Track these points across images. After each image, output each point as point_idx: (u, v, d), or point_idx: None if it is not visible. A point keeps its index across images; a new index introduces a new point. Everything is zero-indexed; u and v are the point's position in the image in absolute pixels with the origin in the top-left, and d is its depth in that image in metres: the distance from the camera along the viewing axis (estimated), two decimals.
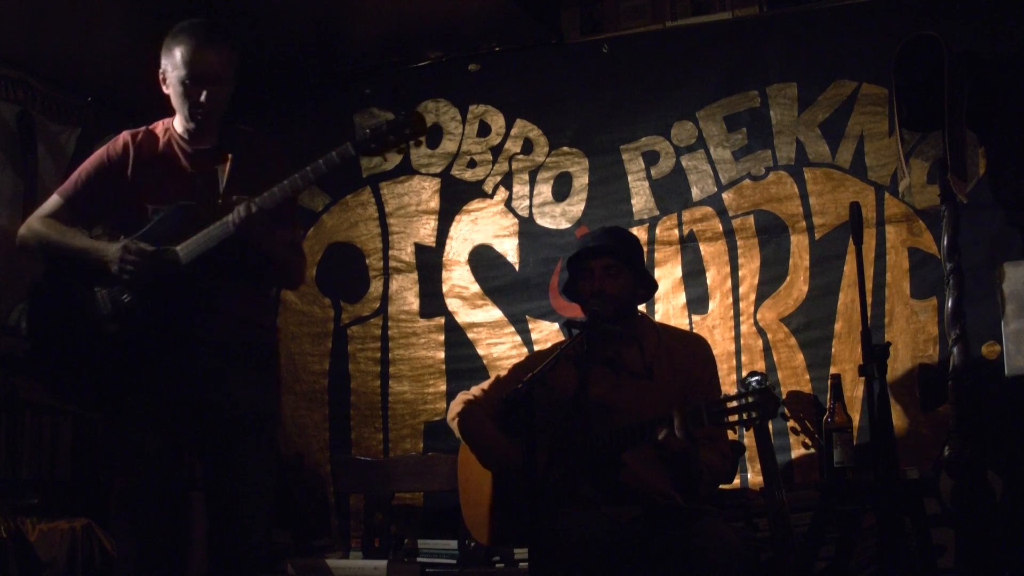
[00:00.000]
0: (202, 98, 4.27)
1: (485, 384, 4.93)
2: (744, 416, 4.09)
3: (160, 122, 4.49)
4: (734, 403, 4.11)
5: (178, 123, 4.42)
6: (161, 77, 4.36)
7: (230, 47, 4.35)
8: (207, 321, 4.28)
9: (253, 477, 4.32)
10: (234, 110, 4.46)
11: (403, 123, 4.18)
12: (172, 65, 4.29)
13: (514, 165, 6.62)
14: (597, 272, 4.59)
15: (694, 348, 4.72)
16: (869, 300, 5.28)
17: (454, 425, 4.85)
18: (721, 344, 5.98)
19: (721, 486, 5.24)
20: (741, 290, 6.05)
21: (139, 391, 4.23)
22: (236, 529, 4.28)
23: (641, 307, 4.89)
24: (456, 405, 4.88)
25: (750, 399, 4.08)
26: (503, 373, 4.95)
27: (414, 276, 6.76)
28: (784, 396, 5.70)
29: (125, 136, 4.46)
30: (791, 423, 5.43)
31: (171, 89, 4.34)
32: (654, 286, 4.84)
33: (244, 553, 4.28)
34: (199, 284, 4.24)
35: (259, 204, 4.13)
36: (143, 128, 4.49)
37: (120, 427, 4.30)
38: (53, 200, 4.46)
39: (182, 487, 4.31)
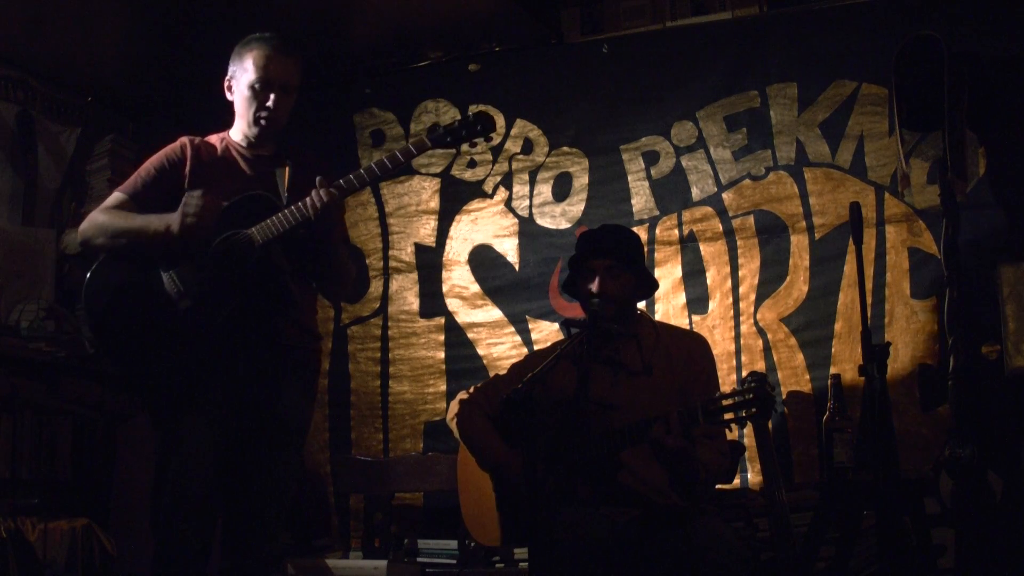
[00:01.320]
0: (269, 103, 4.43)
1: (484, 384, 4.94)
2: (741, 414, 4.09)
3: (215, 134, 4.61)
4: (729, 401, 4.11)
5: (237, 132, 4.57)
6: (227, 84, 4.54)
7: (300, 58, 4.55)
8: (282, 308, 4.38)
9: (283, 481, 4.42)
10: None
11: (476, 121, 4.42)
12: (242, 70, 4.47)
13: (514, 165, 6.62)
14: (599, 272, 4.59)
15: (692, 346, 4.73)
16: (869, 300, 5.25)
17: (453, 425, 4.88)
18: (721, 344, 5.98)
19: (721, 486, 5.26)
20: (741, 290, 6.05)
21: (204, 385, 4.29)
22: (258, 530, 4.36)
23: (641, 306, 4.90)
24: (455, 405, 4.91)
25: (746, 396, 4.08)
26: (502, 373, 4.96)
27: (414, 276, 6.76)
28: (784, 396, 5.74)
29: (183, 140, 4.57)
30: (791, 423, 5.43)
31: (238, 95, 4.52)
32: (655, 285, 4.84)
33: (262, 553, 4.36)
34: (275, 267, 4.31)
35: (338, 188, 4.25)
36: (199, 137, 4.60)
37: (174, 427, 4.32)
38: (115, 196, 4.51)
39: (218, 485, 4.34)
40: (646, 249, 6.12)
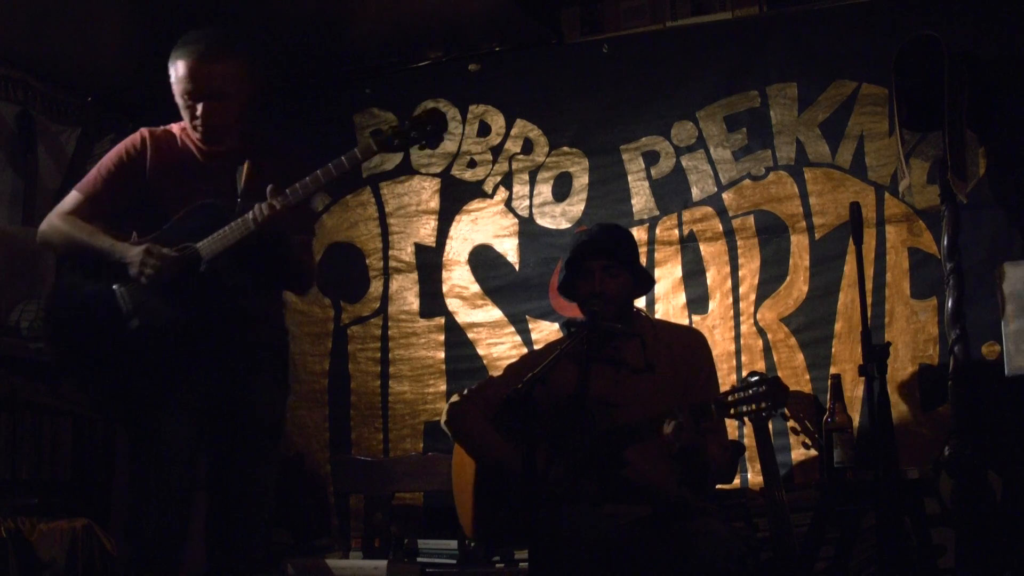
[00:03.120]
0: (198, 112, 4.27)
1: (478, 386, 4.94)
2: (754, 407, 4.08)
3: (176, 124, 4.49)
4: (742, 394, 4.10)
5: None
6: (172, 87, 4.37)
7: (235, 61, 4.31)
8: (233, 322, 4.31)
9: (260, 479, 4.37)
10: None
11: (427, 120, 4.22)
12: (175, 78, 4.29)
13: (514, 165, 6.62)
14: (596, 272, 4.58)
15: (691, 341, 4.72)
16: (869, 300, 5.26)
17: (445, 426, 4.84)
18: (721, 344, 5.98)
19: (721, 486, 5.27)
20: (741, 290, 6.05)
21: (167, 390, 4.25)
22: (239, 529, 4.32)
23: (640, 304, 4.90)
24: (448, 407, 4.88)
25: (761, 388, 4.07)
26: (497, 374, 4.95)
27: (414, 276, 6.77)
28: None
29: (143, 132, 4.46)
30: (791, 423, 5.42)
31: (178, 103, 4.35)
32: (651, 283, 4.84)
33: (245, 553, 4.32)
34: (221, 282, 4.26)
35: (282, 201, 4.13)
36: (161, 127, 4.49)
37: (144, 423, 4.28)
38: (73, 196, 4.43)
39: (194, 486, 4.33)
40: (646, 249, 6.18)
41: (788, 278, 5.97)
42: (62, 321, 4.37)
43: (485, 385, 4.92)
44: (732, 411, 4.12)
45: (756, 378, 4.13)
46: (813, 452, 5.50)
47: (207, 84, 4.24)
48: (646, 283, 4.79)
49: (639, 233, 6.19)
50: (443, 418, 4.86)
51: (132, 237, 4.27)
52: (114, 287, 4.24)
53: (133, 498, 4.29)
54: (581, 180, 6.46)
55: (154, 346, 4.21)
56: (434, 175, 6.80)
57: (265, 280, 4.41)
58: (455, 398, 4.90)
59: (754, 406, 4.08)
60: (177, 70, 4.26)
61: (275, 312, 4.56)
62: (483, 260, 6.64)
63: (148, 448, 4.26)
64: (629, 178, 6.36)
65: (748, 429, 5.28)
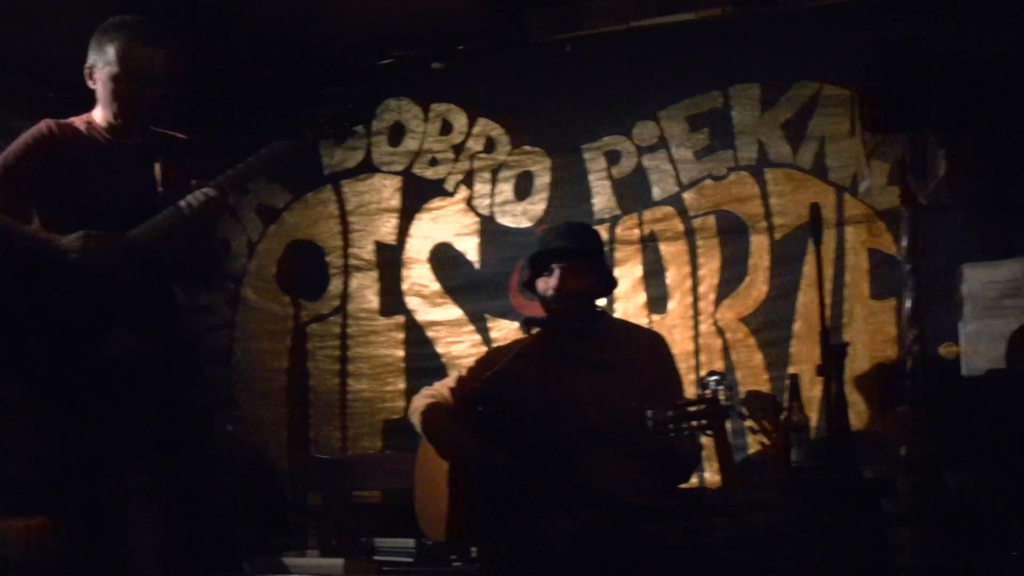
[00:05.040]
0: (131, 96, 4.25)
1: (447, 381, 4.91)
2: (692, 424, 4.09)
3: (77, 117, 4.43)
4: (682, 411, 4.10)
5: (100, 116, 4.37)
6: (87, 72, 4.32)
7: (167, 47, 4.30)
8: (164, 315, 4.30)
9: (196, 476, 4.32)
10: (192, 110, 4.43)
11: (352, 107, 4.37)
12: (104, 61, 4.24)
13: (475, 164, 6.60)
14: (560, 270, 4.57)
15: (652, 344, 4.73)
16: (828, 300, 5.27)
17: (415, 419, 4.80)
18: (680, 344, 5.96)
19: (677, 485, 5.26)
20: (701, 290, 6.05)
21: (88, 386, 4.20)
22: (187, 531, 4.28)
23: (601, 303, 4.89)
24: (418, 400, 4.84)
25: (697, 408, 4.08)
26: (463, 371, 4.93)
27: (374, 274, 6.75)
28: (743, 395, 5.71)
29: (48, 123, 4.38)
30: (749, 423, 5.43)
31: (99, 85, 4.30)
32: (613, 283, 4.83)
33: (196, 556, 4.27)
34: (161, 271, 4.27)
35: (216, 186, 4.14)
36: (65, 120, 4.42)
37: (70, 425, 4.24)
38: None
39: (124, 489, 4.29)
40: (606, 249, 6.13)
41: (748, 278, 5.97)
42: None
43: (450, 381, 4.90)
44: (667, 425, 4.11)
45: (707, 387, 4.15)
46: (771, 451, 5.51)
47: (145, 67, 4.24)
48: (609, 283, 4.79)
49: (600, 232, 6.07)
50: (411, 409, 4.85)
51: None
52: (48, 285, 4.17)
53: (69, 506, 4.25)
54: (542, 179, 6.46)
55: (92, 345, 4.18)
56: (395, 173, 6.77)
57: (187, 270, 4.41)
58: (426, 391, 4.89)
59: (694, 423, 4.09)
60: (116, 51, 4.22)
61: (179, 305, 4.52)
62: (443, 259, 6.62)
63: (78, 449, 4.21)
64: (590, 177, 6.35)
65: None
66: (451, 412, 4.73)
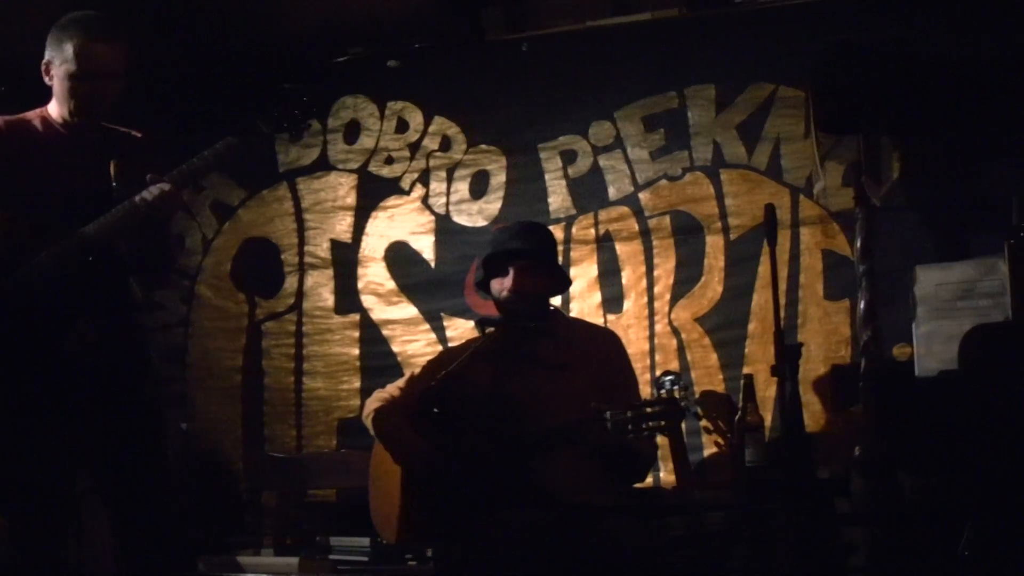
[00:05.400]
0: (90, 93, 4.24)
1: (400, 382, 4.91)
2: (650, 424, 4.09)
3: (32, 112, 4.41)
4: (640, 411, 4.10)
5: (55, 111, 4.36)
6: (44, 67, 4.31)
7: (123, 43, 4.29)
8: (118, 310, 4.30)
9: (149, 473, 4.30)
10: (140, 109, 4.41)
11: (307, 101, 4.35)
12: (61, 58, 4.23)
13: (432, 162, 6.58)
14: (514, 269, 4.57)
15: (607, 342, 4.74)
16: (783, 301, 5.29)
17: (368, 422, 4.82)
18: (635, 344, 5.97)
19: (634, 484, 5.25)
20: (656, 290, 6.05)
21: (40, 382, 4.18)
22: (143, 530, 4.25)
23: (556, 302, 4.90)
24: (371, 403, 4.85)
25: (655, 409, 4.08)
26: (417, 371, 4.92)
27: (330, 272, 6.71)
28: (698, 396, 5.71)
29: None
30: (704, 422, 5.47)
31: (56, 81, 4.29)
32: (568, 282, 4.83)
33: (149, 554, 4.25)
34: (118, 267, 4.27)
35: (170, 181, 4.12)
36: (15, 115, 4.41)
37: (21, 421, 4.22)
38: None
39: (71, 488, 4.26)
40: (562, 248, 6.14)
41: (703, 278, 5.97)
42: None
43: (407, 382, 4.89)
44: (627, 427, 4.11)
45: (663, 387, 4.15)
46: (726, 451, 5.53)
47: (104, 63, 4.23)
48: (563, 283, 4.78)
49: (555, 232, 6.03)
50: (364, 412, 4.85)
51: None
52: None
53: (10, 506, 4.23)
54: (499, 178, 6.45)
55: (51, 337, 4.16)
56: (351, 171, 6.74)
57: (142, 265, 4.41)
58: (378, 393, 4.87)
59: (652, 424, 4.09)
60: (64, 50, 4.21)
61: (135, 301, 4.53)
62: (399, 257, 6.59)
63: (25, 449, 4.19)
64: (546, 177, 6.34)
65: None
66: (403, 414, 4.73)
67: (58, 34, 4.26)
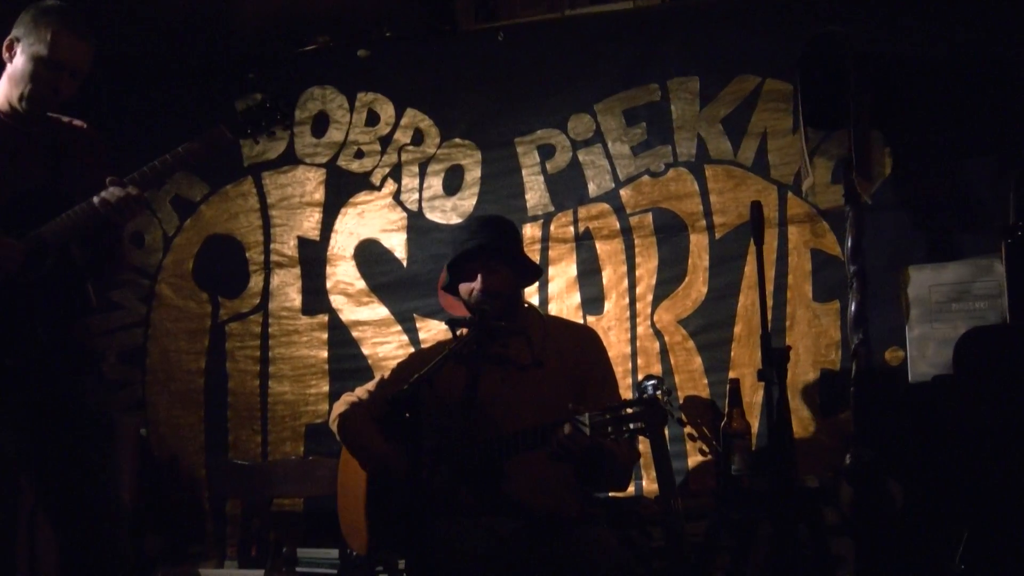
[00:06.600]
0: (52, 83, 4.16)
1: (369, 385, 4.80)
2: (630, 426, 3.95)
3: None
4: (619, 412, 3.96)
5: (3, 100, 4.26)
6: (7, 44, 4.22)
7: (92, 44, 4.25)
8: (72, 316, 4.20)
9: (111, 482, 4.24)
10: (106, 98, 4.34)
11: (278, 105, 4.29)
12: (35, 39, 4.14)
13: (403, 156, 6.44)
14: (480, 271, 4.46)
15: (583, 339, 4.65)
16: (770, 303, 5.16)
17: (334, 427, 4.73)
18: (616, 346, 5.86)
19: (615, 494, 5.23)
20: (638, 290, 5.94)
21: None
22: (80, 545, 4.14)
23: (534, 301, 4.77)
24: (338, 407, 4.76)
25: (635, 409, 3.94)
26: (386, 374, 4.82)
27: (296, 271, 6.57)
28: (681, 401, 5.65)
29: None
30: (688, 429, 5.42)
31: (19, 60, 4.19)
32: (537, 272, 4.70)
33: (96, 565, 4.13)
34: (72, 271, 4.17)
35: (131, 183, 4.03)
36: None
37: None
38: None
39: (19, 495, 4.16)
40: (539, 246, 6.07)
41: (686, 279, 5.87)
42: None
43: (376, 385, 4.77)
44: (605, 429, 3.96)
45: (645, 391, 4.05)
46: (710, 459, 5.44)
47: (76, 59, 4.19)
48: (533, 272, 4.66)
49: (533, 230, 6.08)
50: (331, 416, 4.76)
51: None
52: None
53: None
54: (473, 173, 6.31)
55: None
56: (319, 165, 6.59)
57: (95, 268, 4.30)
58: (346, 396, 4.78)
59: (631, 425, 3.95)
60: (53, 37, 4.13)
61: (83, 305, 4.39)
62: (369, 255, 6.46)
63: None
64: (523, 172, 6.21)
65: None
66: (371, 419, 4.63)
67: (36, 16, 4.19)
